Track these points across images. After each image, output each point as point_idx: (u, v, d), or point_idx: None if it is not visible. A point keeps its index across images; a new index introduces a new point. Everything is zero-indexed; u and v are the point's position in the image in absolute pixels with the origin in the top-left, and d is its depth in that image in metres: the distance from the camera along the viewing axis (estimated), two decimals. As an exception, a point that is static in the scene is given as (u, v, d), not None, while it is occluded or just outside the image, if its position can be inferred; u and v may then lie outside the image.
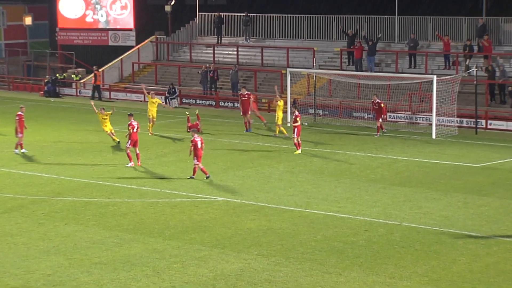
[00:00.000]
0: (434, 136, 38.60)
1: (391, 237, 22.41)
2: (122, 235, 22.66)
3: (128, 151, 31.54)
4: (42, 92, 54.79)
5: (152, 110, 38.80)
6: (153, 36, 56.78)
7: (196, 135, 29.61)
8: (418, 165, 32.16)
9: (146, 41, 56.56)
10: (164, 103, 48.73)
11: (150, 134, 38.59)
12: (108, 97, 52.86)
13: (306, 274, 19.50)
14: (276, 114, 38.51)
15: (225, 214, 24.97)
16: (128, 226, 23.64)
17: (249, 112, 39.67)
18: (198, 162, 29.27)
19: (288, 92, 43.23)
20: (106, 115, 35.94)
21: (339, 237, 22.39)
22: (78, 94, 54.87)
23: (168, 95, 49.44)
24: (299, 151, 34.06)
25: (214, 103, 49.27)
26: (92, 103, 39.37)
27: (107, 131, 36.06)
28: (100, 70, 54.29)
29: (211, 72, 50.42)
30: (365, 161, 32.90)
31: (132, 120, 31.67)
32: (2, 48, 61.13)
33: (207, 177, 29.37)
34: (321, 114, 43.84)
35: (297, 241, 22.09)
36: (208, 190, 27.99)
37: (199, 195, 27.30)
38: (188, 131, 38.44)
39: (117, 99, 52.41)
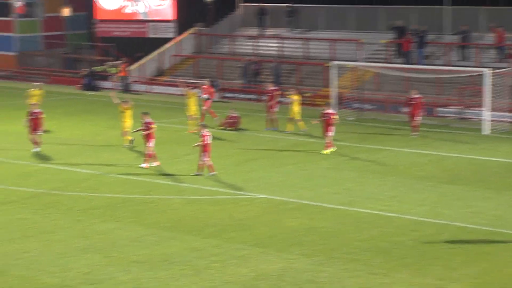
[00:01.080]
0: (486, 132, 37.71)
1: (439, 237, 21.88)
2: (161, 233, 22.35)
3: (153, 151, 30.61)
4: (79, 85, 54.68)
5: (192, 106, 37.87)
6: (194, 28, 56.38)
7: (205, 130, 28.97)
8: (468, 162, 31.45)
9: (186, 33, 56.19)
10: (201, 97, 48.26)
11: (188, 132, 37.12)
12: (145, 90, 52.52)
13: (350, 275, 19.09)
14: (292, 109, 37.66)
15: (266, 212, 24.55)
16: (167, 223, 23.31)
17: (274, 109, 38.63)
18: (207, 158, 28.68)
19: (333, 86, 42.50)
20: (125, 109, 34.11)
21: (385, 237, 21.90)
22: (116, 87, 54.52)
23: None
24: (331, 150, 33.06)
25: (256, 97, 48.66)
26: (113, 94, 38.25)
27: (122, 129, 34.01)
28: (138, 61, 54.12)
29: (253, 65, 49.89)
30: (412, 158, 32.24)
31: (148, 119, 30.51)
32: (40, 40, 61.20)
33: (212, 174, 28.81)
34: (367, 108, 43.12)
35: (341, 240, 21.66)
36: (249, 187, 27.54)
37: (240, 193, 26.90)
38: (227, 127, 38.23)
39: (156, 92, 52.09)
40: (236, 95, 49.69)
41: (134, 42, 57.94)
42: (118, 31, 58.03)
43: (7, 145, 34.58)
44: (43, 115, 33.82)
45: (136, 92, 52.07)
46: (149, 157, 30.42)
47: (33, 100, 38.45)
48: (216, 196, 26.45)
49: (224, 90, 50.01)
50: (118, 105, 35.10)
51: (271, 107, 38.71)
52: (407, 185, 27.70)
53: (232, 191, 27.01)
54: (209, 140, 28.94)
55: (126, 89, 52.30)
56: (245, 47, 54.22)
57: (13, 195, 26.49)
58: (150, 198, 26.13)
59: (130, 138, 33.87)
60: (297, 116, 37.56)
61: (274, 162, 31.50)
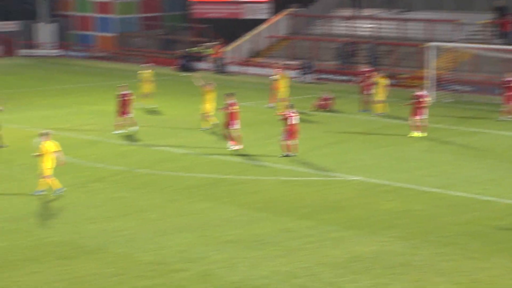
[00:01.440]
0: None
1: (539, 222, 21.30)
2: (254, 213, 22.42)
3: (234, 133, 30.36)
4: (175, 66, 55.24)
5: (282, 87, 37.70)
6: (289, 9, 56.20)
7: (291, 111, 28.74)
8: None
9: (281, 14, 56.07)
10: (296, 77, 48.02)
11: (276, 114, 37.12)
12: (239, 71, 52.62)
13: (446, 259, 18.76)
14: (375, 91, 37.04)
15: (360, 194, 24.36)
16: (260, 204, 23.37)
17: (368, 91, 37.99)
18: (288, 139, 28.48)
19: (429, 67, 41.75)
20: (207, 91, 33.72)
21: (482, 221, 21.46)
22: (211, 68, 54.84)
23: (302, 70, 48.81)
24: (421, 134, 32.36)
25: (350, 78, 48.24)
26: (196, 75, 37.98)
27: (202, 111, 33.88)
28: (231, 43, 54.24)
29: (348, 46, 49.44)
30: (511, 141, 31.51)
31: (231, 101, 30.27)
32: (137, 22, 62.14)
33: (287, 155, 28.55)
34: (463, 90, 42.18)
35: (436, 224, 21.30)
36: (342, 169, 27.34)
37: (333, 174, 26.73)
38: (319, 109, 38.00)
39: (250, 74, 52.17)
40: (330, 76, 49.41)
41: (229, 24, 58.15)
42: (214, 12, 58.37)
43: (104, 126, 35.19)
44: (132, 97, 34.01)
45: (231, 73, 52.34)
46: (238, 138, 30.44)
47: (144, 82, 39.22)
48: (309, 177, 26.35)
49: (318, 71, 49.77)
50: (201, 87, 35.15)
51: (365, 88, 38.33)
52: (505, 169, 27.04)
53: (324, 173, 26.85)
54: (294, 121, 28.78)
55: (221, 70, 52.61)
56: (340, 28, 53.75)
57: (110, 173, 26.98)
58: (242, 178, 26.23)
59: (211, 122, 33.79)
60: (380, 98, 37.04)
61: (367, 144, 31.20)
